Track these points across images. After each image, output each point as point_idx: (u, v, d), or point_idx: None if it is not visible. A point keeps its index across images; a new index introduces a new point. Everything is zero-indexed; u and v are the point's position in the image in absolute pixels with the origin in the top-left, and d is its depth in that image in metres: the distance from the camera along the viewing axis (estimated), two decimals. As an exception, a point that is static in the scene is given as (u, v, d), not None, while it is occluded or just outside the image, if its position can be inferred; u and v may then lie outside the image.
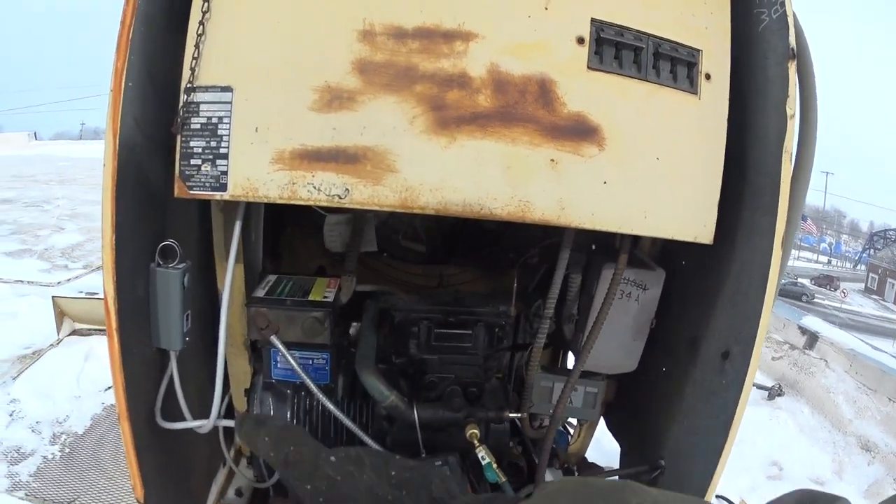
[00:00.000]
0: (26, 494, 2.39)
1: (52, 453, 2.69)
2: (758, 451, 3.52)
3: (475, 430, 1.15)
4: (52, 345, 3.65)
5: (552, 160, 1.02)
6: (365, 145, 0.96)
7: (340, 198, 0.96)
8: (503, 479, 1.12)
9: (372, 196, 0.96)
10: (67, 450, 2.71)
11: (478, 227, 1.48)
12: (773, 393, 4.51)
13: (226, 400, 1.46)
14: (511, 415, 1.21)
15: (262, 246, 1.39)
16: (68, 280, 5.11)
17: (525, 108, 1.01)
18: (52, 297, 3.85)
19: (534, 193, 1.01)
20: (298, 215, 1.45)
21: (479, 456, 1.13)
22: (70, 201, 9.76)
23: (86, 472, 2.55)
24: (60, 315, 3.76)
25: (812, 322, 5.50)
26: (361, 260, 1.43)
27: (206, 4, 0.98)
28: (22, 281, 4.96)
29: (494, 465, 1.12)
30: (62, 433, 2.85)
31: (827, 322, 5.77)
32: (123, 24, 0.97)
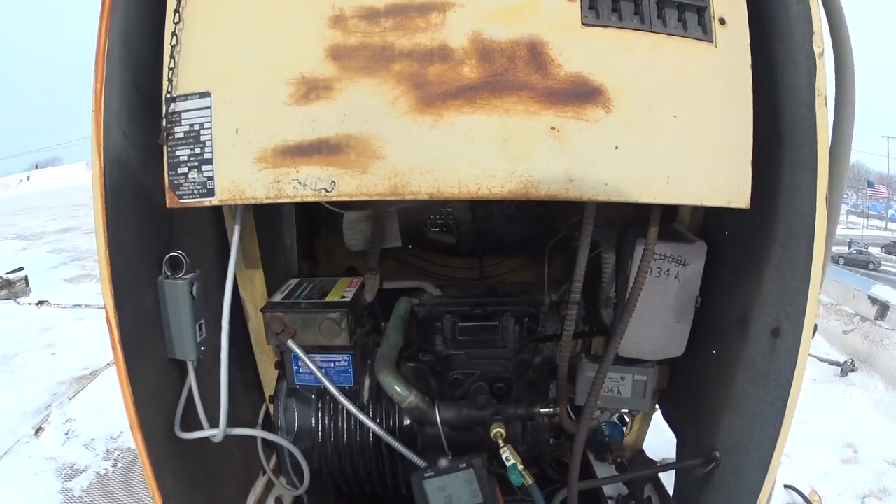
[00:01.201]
0: None
1: (106, 468, 2.80)
2: (830, 432, 3.18)
3: (500, 430, 1.07)
4: (108, 364, 3.79)
5: (553, 128, 0.93)
6: (347, 133, 0.92)
7: (327, 191, 0.92)
8: (530, 482, 1.03)
9: (360, 186, 0.91)
10: (120, 465, 2.82)
11: (517, 213, 1.40)
12: (846, 368, 4.13)
13: (263, 409, 1.45)
14: (542, 410, 1.11)
15: (296, 250, 1.38)
16: None
17: (516, 74, 0.93)
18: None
19: (536, 167, 0.93)
20: (331, 217, 1.44)
21: (504, 457, 1.04)
22: None
23: (137, 485, 2.63)
24: None
25: (882, 291, 5.03)
26: (397, 256, 1.39)
27: (177, 15, 0.98)
28: (80, 305, 5.24)
29: (520, 467, 1.03)
30: (115, 449, 2.96)
31: (898, 290, 5.26)
32: (98, 47, 0.98)
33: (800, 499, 2.40)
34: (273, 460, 1.53)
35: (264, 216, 1.30)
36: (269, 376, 1.42)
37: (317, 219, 1.53)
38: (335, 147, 0.92)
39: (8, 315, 5.15)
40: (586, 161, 0.94)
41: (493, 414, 1.11)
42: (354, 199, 0.92)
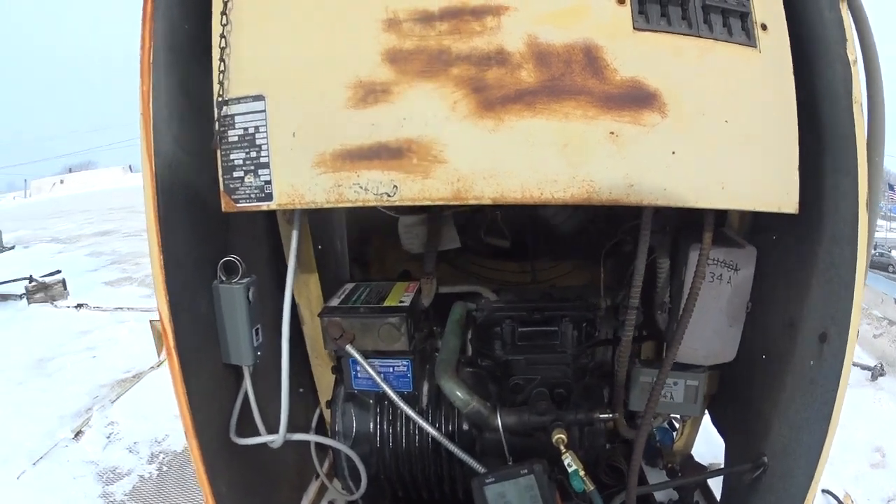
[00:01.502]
0: None
1: (150, 472, 2.74)
2: (860, 436, 3.23)
3: (562, 435, 1.07)
4: (152, 367, 3.74)
5: (612, 133, 0.94)
6: (407, 137, 0.91)
7: (389, 196, 0.91)
8: (591, 488, 1.02)
9: (422, 190, 0.91)
10: (165, 468, 2.76)
11: (566, 216, 1.40)
12: (876, 373, 4.17)
13: (317, 413, 1.44)
14: (602, 416, 1.11)
15: (348, 255, 1.37)
16: None
17: (573, 78, 0.94)
18: (150, 321, 3.94)
19: (596, 171, 0.93)
20: (383, 221, 1.43)
21: (566, 463, 1.03)
22: None
23: (183, 488, 2.58)
24: (159, 338, 3.80)
25: None
26: (450, 260, 1.38)
27: (224, 17, 0.97)
28: (121, 308, 5.19)
29: (582, 473, 1.03)
30: (160, 452, 2.90)
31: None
32: (143, 48, 0.97)
33: (835, 502, 2.41)
34: (326, 464, 1.51)
35: (315, 220, 1.29)
36: (323, 381, 1.41)
37: (368, 223, 1.52)
38: (396, 151, 0.91)
39: (45, 318, 5.09)
40: (645, 166, 0.95)
41: (553, 419, 1.10)
42: (416, 203, 0.92)
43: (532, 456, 1.05)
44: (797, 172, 1.02)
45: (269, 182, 0.95)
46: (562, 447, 1.05)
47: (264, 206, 0.95)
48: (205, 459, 1.02)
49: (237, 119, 0.96)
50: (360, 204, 0.92)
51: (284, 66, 0.95)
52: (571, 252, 1.57)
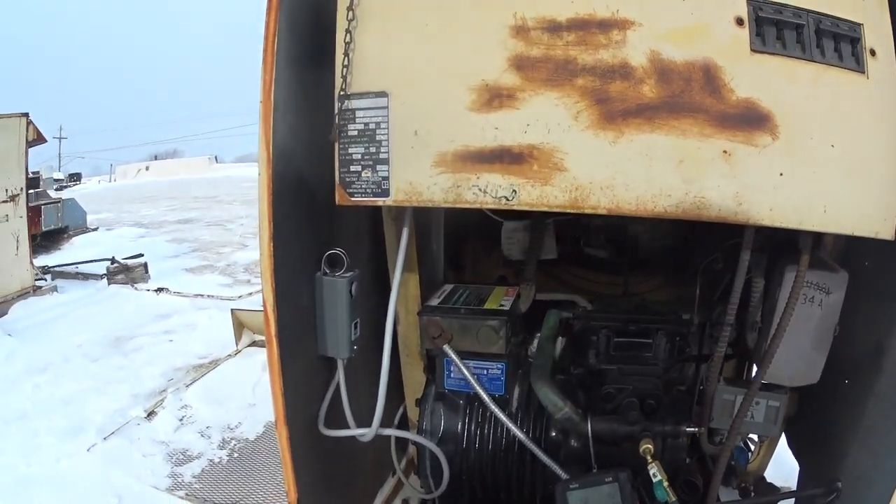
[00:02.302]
0: (186, 494, 2.47)
1: (220, 457, 2.77)
2: None
3: (649, 446, 1.10)
4: (229, 355, 3.79)
5: (725, 151, 0.96)
6: (530, 144, 0.94)
7: (508, 199, 0.94)
8: (673, 499, 1.05)
9: (540, 197, 0.94)
10: (236, 454, 2.79)
11: (661, 232, 1.43)
12: None
13: (400, 411, 1.47)
14: (689, 429, 1.14)
15: (443, 256, 1.40)
16: (250, 294, 5.32)
17: (692, 96, 0.96)
18: (231, 309, 3.99)
19: (708, 188, 0.95)
20: (480, 225, 1.46)
21: (651, 473, 1.07)
22: (254, 220, 10.13)
23: (251, 476, 2.59)
24: (240, 327, 3.89)
25: None
26: (544, 268, 1.41)
27: (350, 13, 1.00)
28: (202, 295, 5.24)
29: (666, 484, 1.06)
30: (232, 438, 2.93)
31: None
32: (267, 37, 1.00)
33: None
34: (403, 462, 1.54)
35: (414, 220, 1.31)
36: (410, 379, 1.45)
37: (465, 226, 1.55)
38: (517, 157, 0.94)
39: (125, 299, 5.18)
40: (754, 186, 0.97)
41: (642, 429, 1.13)
42: (534, 209, 0.94)
43: (615, 465, 1.08)
44: None
45: (386, 178, 0.98)
46: (648, 457, 1.09)
47: (380, 201, 0.98)
48: (292, 448, 1.05)
49: (358, 114, 0.99)
50: (477, 206, 0.95)
51: (409, 65, 0.97)
52: (661, 267, 1.60)
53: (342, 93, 0.99)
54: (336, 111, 0.99)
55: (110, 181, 25.83)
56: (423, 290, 1.38)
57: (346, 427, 1.18)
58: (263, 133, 0.99)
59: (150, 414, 3.10)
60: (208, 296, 5.23)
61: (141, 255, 6.16)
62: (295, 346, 1.06)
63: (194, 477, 2.59)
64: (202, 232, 9.24)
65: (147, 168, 27.63)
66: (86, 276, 5.87)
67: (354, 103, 0.99)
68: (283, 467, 1.06)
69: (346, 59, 0.99)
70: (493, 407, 1.16)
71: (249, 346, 3.87)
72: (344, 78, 0.99)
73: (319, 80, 1.04)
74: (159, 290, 5.34)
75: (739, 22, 1.00)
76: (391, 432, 1.26)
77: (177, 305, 4.97)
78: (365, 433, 1.17)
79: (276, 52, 1.00)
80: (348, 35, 1.00)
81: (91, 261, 6.14)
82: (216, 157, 29.31)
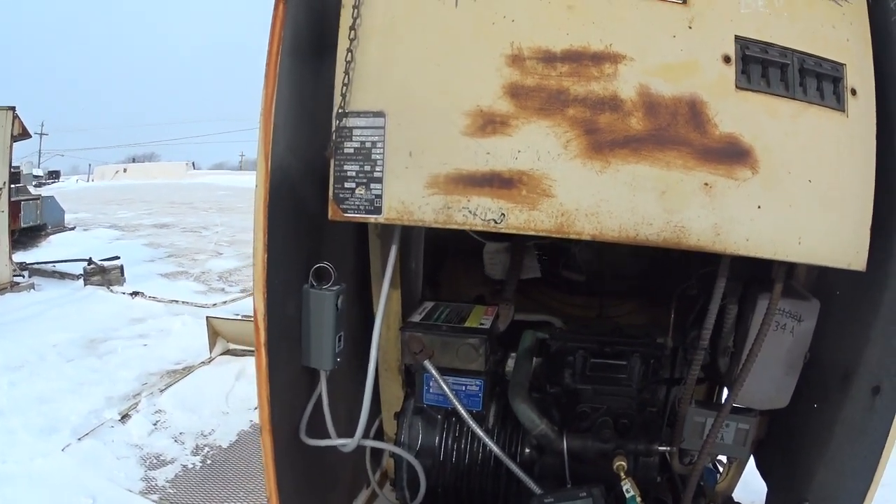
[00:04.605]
0: (160, 499, 2.54)
1: (193, 463, 2.85)
2: None
3: (622, 462, 1.17)
4: (203, 362, 3.91)
5: (706, 184, 1.04)
6: (520, 170, 1.01)
7: (496, 222, 1.00)
8: (645, 514, 1.13)
9: (528, 221, 1.00)
10: (209, 461, 2.87)
11: (637, 258, 1.51)
12: None
13: (376, 423, 1.53)
14: (661, 448, 1.22)
15: (422, 274, 1.47)
16: (224, 303, 5.48)
17: (677, 130, 1.03)
18: (207, 317, 4.11)
19: (689, 219, 1.03)
20: (459, 245, 1.53)
21: (625, 489, 1.14)
22: (229, 228, 10.64)
23: (225, 484, 2.68)
24: (214, 335, 4.01)
25: None
26: (521, 289, 1.48)
27: (353, 32, 1.06)
28: (176, 301, 5.36)
29: (638, 499, 1.13)
30: (205, 445, 3.01)
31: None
32: (271, 52, 1.06)
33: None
34: (377, 474, 1.61)
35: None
36: (388, 393, 1.50)
37: (444, 246, 1.61)
38: (507, 181, 1.01)
39: (100, 301, 5.27)
40: (732, 217, 1.04)
41: (616, 447, 1.21)
42: (521, 232, 1.01)
43: (589, 482, 1.15)
44: (868, 233, 1.12)
45: (379, 196, 1.04)
46: (622, 473, 1.16)
47: (372, 218, 1.04)
48: (276, 455, 1.10)
49: (355, 132, 1.05)
50: (466, 227, 1.01)
51: (408, 87, 1.03)
52: (636, 292, 1.68)
53: (340, 111, 1.05)
54: (334, 129, 1.05)
55: (88, 181, 26.26)
56: (402, 307, 1.44)
57: (326, 437, 1.23)
58: (263, 146, 1.05)
59: (124, 417, 3.17)
60: (183, 302, 5.35)
61: (117, 258, 6.24)
62: (281, 356, 1.11)
63: (168, 482, 2.66)
64: (178, 238, 9.44)
65: (125, 170, 28.21)
66: (62, 276, 5.97)
67: (352, 122, 1.05)
68: (265, 474, 1.10)
69: (346, 77, 1.05)
70: (470, 422, 1.23)
71: (223, 354, 3.99)
72: (343, 96, 1.05)
73: (318, 96, 1.10)
74: (134, 293, 5.45)
75: (727, 60, 1.07)
76: (373, 443, 1.32)
77: (151, 310, 5.08)
78: (347, 443, 1.23)
79: (278, 67, 1.06)
80: (349, 54, 1.05)
81: (68, 260, 6.23)
82: (193, 164, 30.04)
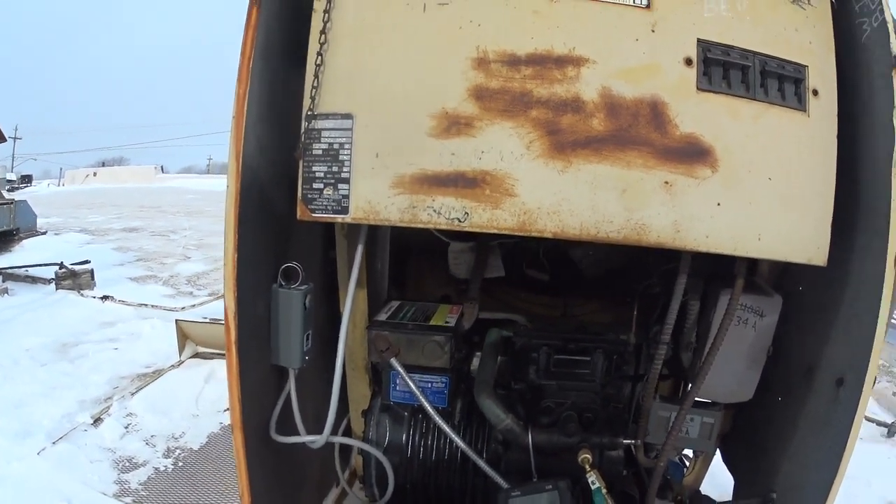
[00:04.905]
0: (133, 501, 2.58)
1: (165, 465, 2.90)
2: (873, 491, 3.40)
3: (587, 455, 1.20)
4: (172, 365, 3.96)
5: (666, 182, 1.07)
6: (483, 170, 1.03)
7: (460, 221, 1.03)
8: (612, 505, 1.16)
9: (491, 219, 1.03)
10: (181, 464, 2.92)
11: (600, 257, 1.55)
12: (893, 430, 4.34)
13: (344, 422, 1.55)
14: (625, 441, 1.25)
15: (387, 273, 1.49)
16: (192, 306, 5.53)
17: (638, 130, 1.07)
18: (176, 320, 4.16)
19: (649, 216, 1.06)
20: (424, 245, 1.55)
21: (590, 481, 1.17)
22: (197, 232, 10.75)
23: (196, 486, 2.73)
24: (183, 338, 4.05)
25: None
26: (486, 288, 1.52)
27: (323, 36, 1.09)
28: (146, 304, 5.41)
29: (604, 491, 1.16)
30: (177, 448, 3.06)
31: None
32: (244, 54, 1.08)
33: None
34: (346, 473, 1.64)
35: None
36: (355, 391, 1.53)
37: (408, 246, 1.65)
38: (471, 181, 1.04)
39: (72, 305, 5.32)
40: (692, 215, 1.08)
41: (580, 441, 1.24)
42: (484, 231, 1.04)
43: (553, 475, 1.18)
44: (829, 229, 1.15)
45: (346, 196, 1.06)
46: (587, 466, 1.19)
47: (339, 218, 1.07)
48: (248, 454, 1.12)
49: (324, 134, 1.07)
50: (431, 226, 1.04)
51: (376, 90, 1.06)
52: (599, 291, 1.71)
53: (310, 112, 1.07)
54: (303, 130, 1.07)
55: (59, 185, 26.61)
56: (368, 306, 1.47)
57: (296, 434, 1.25)
58: (234, 146, 1.07)
59: (97, 421, 3.21)
60: (152, 306, 5.40)
61: (88, 262, 6.28)
62: (251, 355, 1.13)
63: (140, 484, 2.71)
64: (147, 241, 9.55)
65: (95, 174, 28.74)
66: (34, 280, 6.02)
67: (320, 123, 1.07)
68: (237, 471, 1.12)
69: (316, 80, 1.08)
70: (437, 418, 1.26)
71: (192, 357, 4.05)
72: (312, 98, 1.08)
73: (288, 99, 1.12)
74: (105, 297, 5.49)
75: (688, 62, 1.11)
76: (342, 440, 1.35)
77: (121, 314, 5.14)
78: (316, 440, 1.25)
79: (251, 68, 1.08)
80: (319, 57, 1.08)
81: (41, 265, 6.25)
82: (162, 168, 30.51)
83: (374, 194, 1.05)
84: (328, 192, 1.07)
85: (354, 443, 1.42)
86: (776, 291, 1.31)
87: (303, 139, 1.07)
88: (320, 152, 1.08)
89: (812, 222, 1.16)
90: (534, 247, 1.57)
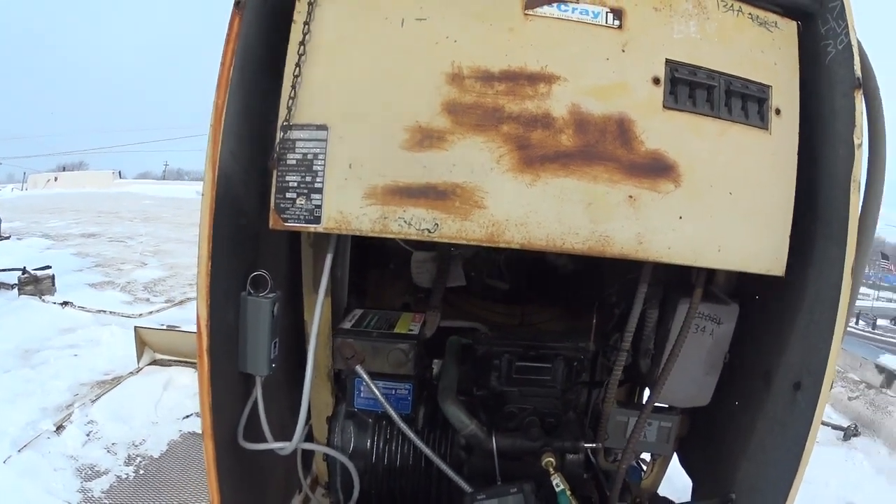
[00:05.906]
0: None
1: (127, 473, 2.92)
2: (831, 491, 3.53)
3: (551, 459, 1.25)
4: (131, 372, 3.97)
5: (630, 196, 1.12)
6: (454, 182, 1.07)
7: (430, 232, 1.07)
8: (577, 507, 1.21)
9: (460, 231, 1.07)
10: (142, 471, 2.94)
11: (559, 267, 1.60)
12: (849, 433, 4.49)
13: (307, 429, 1.57)
14: (587, 445, 1.30)
15: (347, 282, 1.53)
16: (150, 313, 5.52)
17: (605, 146, 1.12)
18: (135, 327, 4.16)
19: (613, 229, 1.11)
20: (384, 255, 1.58)
21: (555, 483, 1.22)
22: (154, 238, 10.73)
23: (159, 493, 2.75)
24: (142, 345, 4.06)
25: (890, 361, 5.44)
26: (445, 297, 1.56)
27: (301, 48, 1.11)
28: (104, 311, 5.37)
29: (569, 493, 1.21)
30: (138, 455, 3.08)
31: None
32: (223, 65, 1.11)
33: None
34: (309, 479, 1.66)
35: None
36: (318, 399, 1.54)
37: (367, 255, 1.68)
38: (442, 193, 1.07)
39: (33, 311, 5.27)
40: (655, 227, 1.13)
41: (543, 445, 1.29)
42: (454, 241, 1.08)
43: (517, 479, 1.22)
44: (787, 242, 1.21)
45: (319, 206, 1.09)
46: (551, 469, 1.24)
47: (311, 227, 1.10)
48: (217, 461, 1.14)
49: (298, 144, 1.10)
50: (402, 236, 1.08)
51: (351, 102, 1.09)
52: (557, 300, 1.77)
53: (285, 123, 1.10)
54: (278, 140, 1.10)
55: (22, 190, 26.35)
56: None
57: (264, 442, 1.26)
58: (211, 155, 1.09)
59: (59, 428, 3.22)
60: (110, 312, 5.40)
61: (49, 268, 6.22)
62: (221, 362, 1.15)
63: (103, 493, 2.74)
64: (104, 247, 9.55)
65: (56, 179, 28.52)
66: None
67: (295, 134, 1.10)
68: (207, 478, 1.14)
69: (293, 91, 1.10)
70: (401, 424, 1.30)
71: (150, 364, 4.09)
72: (289, 109, 1.10)
73: (263, 108, 1.15)
74: (64, 303, 5.45)
75: (656, 81, 1.16)
76: (312, 446, 1.38)
77: (81, 320, 5.12)
78: (285, 446, 1.27)
79: (230, 78, 1.10)
80: (297, 69, 1.11)
81: (3, 270, 6.18)
82: (119, 173, 30.35)
83: (347, 205, 1.09)
84: (301, 201, 1.10)
85: (324, 449, 1.44)
86: (733, 299, 1.37)
87: (277, 149, 1.10)
88: (294, 162, 1.10)
89: (771, 234, 1.22)
90: (494, 257, 1.62)
